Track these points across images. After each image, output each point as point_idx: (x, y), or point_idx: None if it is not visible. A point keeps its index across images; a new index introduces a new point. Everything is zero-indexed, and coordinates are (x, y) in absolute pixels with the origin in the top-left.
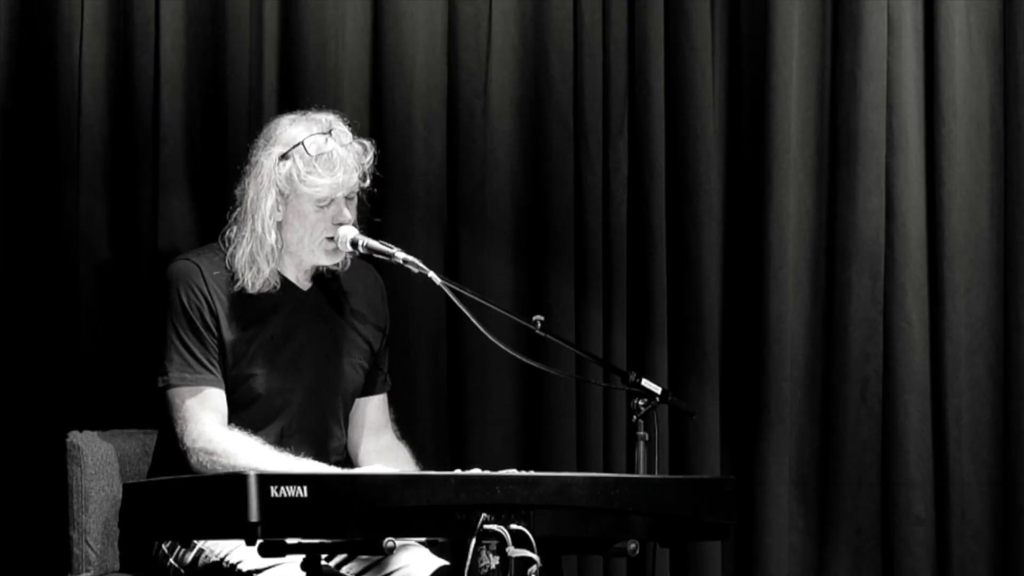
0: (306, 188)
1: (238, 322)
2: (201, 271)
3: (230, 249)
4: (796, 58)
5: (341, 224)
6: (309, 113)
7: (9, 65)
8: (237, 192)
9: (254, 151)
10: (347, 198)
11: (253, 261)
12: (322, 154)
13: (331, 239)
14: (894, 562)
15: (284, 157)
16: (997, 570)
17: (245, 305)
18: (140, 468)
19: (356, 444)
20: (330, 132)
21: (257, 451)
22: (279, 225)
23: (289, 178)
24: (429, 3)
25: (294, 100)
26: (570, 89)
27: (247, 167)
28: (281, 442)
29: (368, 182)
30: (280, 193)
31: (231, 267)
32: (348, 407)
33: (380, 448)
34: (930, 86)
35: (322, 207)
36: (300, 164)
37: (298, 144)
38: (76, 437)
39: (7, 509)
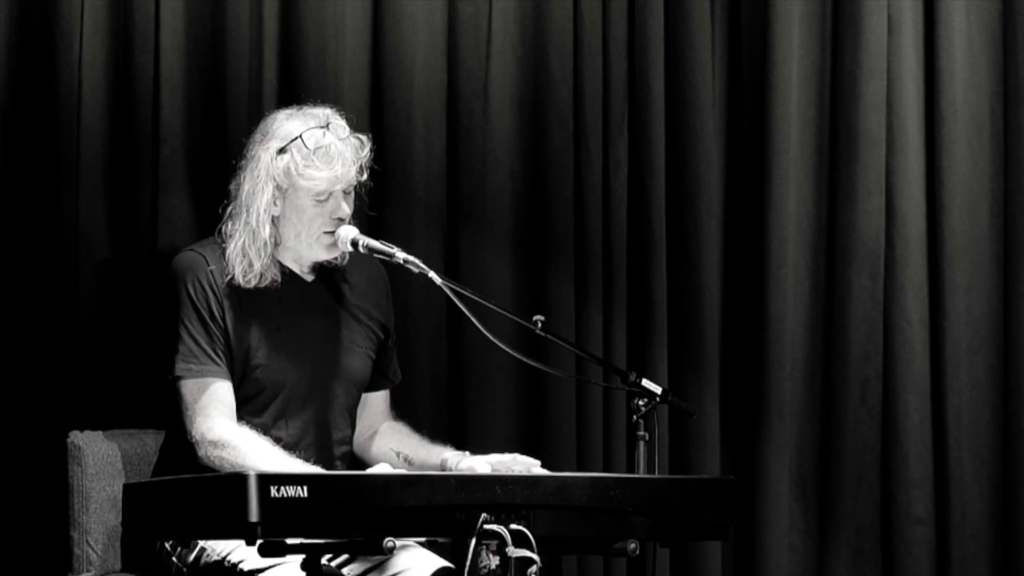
0: (304, 182)
1: (243, 313)
2: (207, 262)
3: (227, 244)
4: (796, 58)
5: (339, 218)
6: (306, 107)
7: (9, 65)
8: (232, 187)
9: (250, 146)
10: (345, 192)
11: (244, 255)
12: (320, 147)
13: (329, 233)
14: (894, 562)
15: (282, 151)
16: (997, 570)
17: (250, 296)
18: (141, 468)
19: (354, 436)
20: (327, 126)
21: (266, 451)
22: (275, 220)
23: (287, 172)
24: (429, 3)
25: (294, 99)
26: (570, 89)
27: (243, 162)
28: (285, 433)
29: (366, 176)
30: (278, 187)
31: (227, 260)
32: (355, 398)
33: (381, 432)
34: (930, 86)
35: (320, 201)
36: (298, 158)
37: (296, 138)
38: (77, 437)
39: (7, 509)
